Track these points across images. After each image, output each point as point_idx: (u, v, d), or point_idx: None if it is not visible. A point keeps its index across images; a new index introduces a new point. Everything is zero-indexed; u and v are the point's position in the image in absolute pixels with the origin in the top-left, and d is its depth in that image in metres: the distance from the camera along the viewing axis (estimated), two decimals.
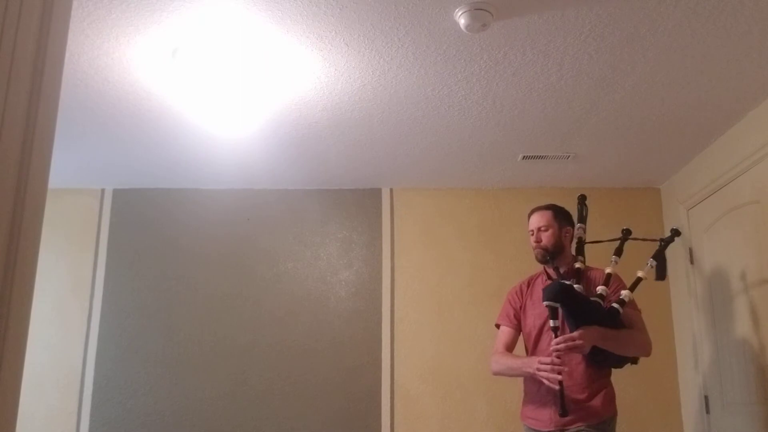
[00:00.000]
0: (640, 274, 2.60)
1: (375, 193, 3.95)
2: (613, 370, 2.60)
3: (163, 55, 2.41)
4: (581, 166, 3.56)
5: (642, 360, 2.59)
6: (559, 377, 2.37)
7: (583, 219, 2.81)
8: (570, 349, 2.38)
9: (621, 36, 2.29)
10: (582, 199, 2.89)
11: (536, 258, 2.68)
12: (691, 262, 3.46)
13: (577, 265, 2.63)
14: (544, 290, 2.46)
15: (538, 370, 2.42)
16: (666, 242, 2.76)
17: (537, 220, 2.68)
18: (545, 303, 2.45)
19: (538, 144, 3.27)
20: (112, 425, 3.64)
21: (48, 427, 3.63)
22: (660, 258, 2.76)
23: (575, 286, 2.53)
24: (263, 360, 3.72)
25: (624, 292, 2.52)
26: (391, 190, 3.95)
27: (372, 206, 3.93)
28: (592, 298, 2.51)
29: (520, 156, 3.41)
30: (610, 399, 2.53)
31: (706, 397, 3.28)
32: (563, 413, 2.39)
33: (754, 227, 2.88)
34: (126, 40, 2.32)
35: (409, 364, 3.71)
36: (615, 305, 2.48)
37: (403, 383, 3.68)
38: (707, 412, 3.26)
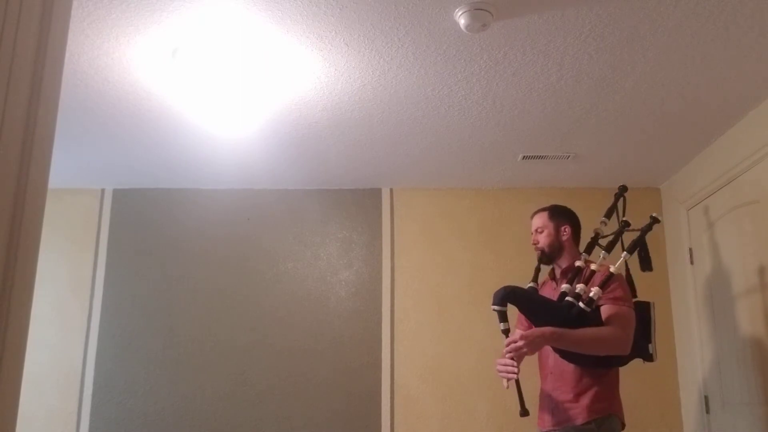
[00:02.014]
0: (611, 269, 2.46)
1: (375, 193, 3.95)
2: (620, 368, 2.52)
3: (163, 55, 2.41)
4: (581, 166, 3.56)
5: (641, 361, 2.53)
6: (513, 377, 2.37)
7: (611, 212, 2.67)
8: (518, 350, 2.33)
9: (621, 36, 2.29)
10: (621, 190, 2.73)
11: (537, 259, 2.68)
12: (691, 262, 3.46)
13: (578, 263, 2.55)
14: (494, 295, 2.45)
15: (498, 371, 2.42)
16: (644, 231, 2.58)
17: (534, 222, 2.68)
18: (492, 307, 2.44)
19: (538, 144, 3.27)
20: (112, 425, 3.64)
21: (48, 427, 3.63)
22: (642, 248, 2.60)
23: (563, 286, 2.46)
24: (263, 360, 3.72)
25: (593, 290, 2.40)
26: (391, 190, 3.95)
27: (372, 206, 3.94)
28: (568, 298, 2.42)
29: (520, 156, 3.42)
30: (599, 399, 2.41)
31: (706, 397, 3.28)
32: (522, 413, 2.39)
33: (755, 227, 2.88)
34: (126, 40, 2.32)
35: (409, 364, 3.71)
36: (581, 305, 2.38)
37: (403, 383, 3.68)
38: (707, 412, 3.26)
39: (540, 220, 2.66)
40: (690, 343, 3.47)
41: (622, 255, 2.52)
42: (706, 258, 3.32)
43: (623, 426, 2.46)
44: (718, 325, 3.18)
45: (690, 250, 3.48)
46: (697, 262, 3.42)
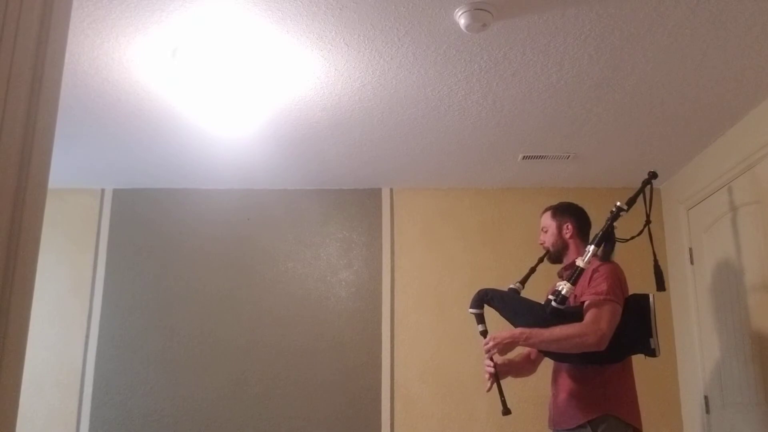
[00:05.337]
0: (580, 263, 2.38)
1: (375, 193, 3.95)
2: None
3: (163, 55, 2.41)
4: (581, 166, 3.56)
5: (642, 360, 2.46)
6: (488, 376, 2.46)
7: (633, 201, 2.51)
8: (489, 352, 2.40)
9: (621, 36, 2.29)
10: (651, 176, 2.55)
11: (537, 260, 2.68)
12: (691, 262, 3.46)
13: (578, 260, 2.44)
14: (472, 299, 2.51)
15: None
16: (611, 221, 2.45)
17: (541, 222, 2.68)
18: (468, 311, 2.50)
19: (538, 144, 3.27)
20: (112, 425, 3.64)
21: (48, 427, 3.63)
22: (608, 240, 2.45)
23: (560, 284, 2.40)
24: (263, 360, 3.72)
25: (566, 287, 2.34)
26: (391, 190, 3.95)
27: (372, 206, 3.93)
28: (549, 296, 2.39)
29: (520, 156, 3.41)
30: (593, 399, 2.35)
31: (706, 397, 3.28)
32: (504, 412, 2.42)
33: (754, 227, 2.88)
34: (126, 40, 2.32)
35: (409, 364, 3.71)
36: (553, 303, 2.34)
37: (403, 383, 3.68)
38: (707, 412, 3.26)
39: (545, 219, 2.66)
40: (690, 343, 3.47)
41: (590, 248, 2.41)
42: (706, 258, 3.32)
43: (633, 429, 2.34)
44: (719, 325, 3.18)
45: (690, 250, 3.48)
46: (697, 262, 3.41)
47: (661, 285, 2.50)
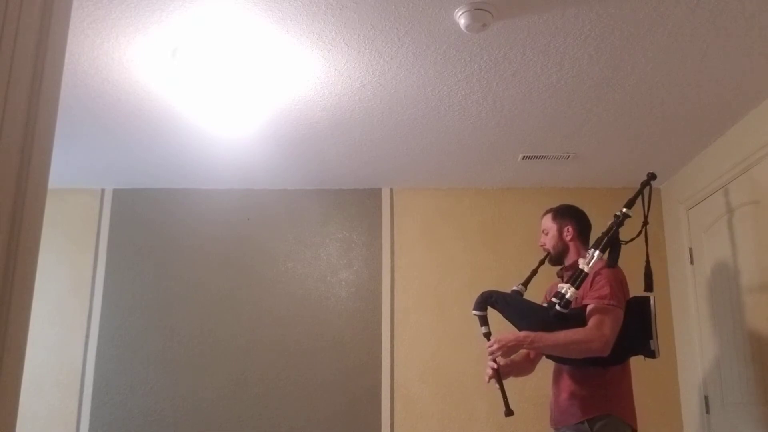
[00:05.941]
0: (585, 268, 2.38)
1: (375, 193, 3.95)
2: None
3: (163, 55, 2.41)
4: (581, 166, 3.56)
5: (642, 360, 2.48)
6: (485, 378, 2.49)
7: (632, 202, 2.50)
8: (493, 354, 2.42)
9: (621, 36, 2.29)
10: (649, 177, 2.54)
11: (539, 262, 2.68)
12: (691, 262, 3.46)
13: (580, 261, 2.43)
14: (475, 300, 2.53)
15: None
16: (616, 226, 2.43)
17: (541, 224, 2.68)
18: (472, 312, 2.52)
19: (538, 144, 3.27)
20: (112, 425, 3.64)
21: (48, 427, 3.63)
22: (614, 244, 2.44)
23: (562, 286, 2.40)
24: (263, 360, 3.72)
25: (570, 291, 2.34)
26: (391, 190, 3.95)
27: (372, 206, 3.93)
28: (552, 299, 2.39)
29: (520, 156, 3.41)
30: (594, 398, 2.37)
31: (706, 397, 3.28)
32: (507, 413, 2.43)
33: (754, 227, 2.88)
34: (126, 40, 2.32)
35: (409, 364, 3.71)
36: (557, 307, 2.33)
37: (403, 383, 3.68)
38: (707, 412, 3.26)
39: (545, 221, 2.66)
40: (690, 343, 3.47)
41: (595, 252, 2.41)
42: (706, 258, 3.32)
43: (632, 429, 2.36)
44: (718, 325, 3.18)
45: (690, 250, 3.48)
46: (697, 262, 3.41)
47: (649, 286, 2.53)
